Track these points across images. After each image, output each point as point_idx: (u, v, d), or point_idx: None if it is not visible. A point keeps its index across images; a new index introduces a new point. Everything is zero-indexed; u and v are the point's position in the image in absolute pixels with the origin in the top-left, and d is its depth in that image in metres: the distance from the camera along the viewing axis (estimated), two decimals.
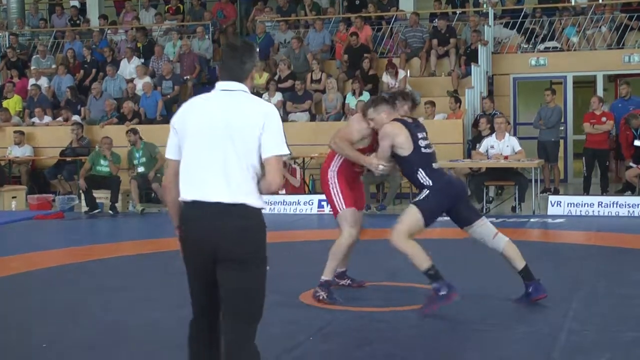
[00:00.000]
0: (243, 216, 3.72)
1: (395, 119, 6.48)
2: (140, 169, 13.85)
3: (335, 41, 17.87)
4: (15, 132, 16.32)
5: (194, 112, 3.85)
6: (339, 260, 6.83)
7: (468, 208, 6.50)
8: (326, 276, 6.77)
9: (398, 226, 6.27)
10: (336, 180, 6.83)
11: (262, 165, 3.76)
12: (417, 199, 6.35)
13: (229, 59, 3.89)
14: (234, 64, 3.86)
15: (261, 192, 3.79)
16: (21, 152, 16.14)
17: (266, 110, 3.79)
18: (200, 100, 3.94)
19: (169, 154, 3.93)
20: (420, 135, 6.42)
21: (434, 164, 6.40)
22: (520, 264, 6.39)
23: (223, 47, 4.05)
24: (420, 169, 6.34)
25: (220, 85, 3.90)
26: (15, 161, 15.94)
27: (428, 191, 6.29)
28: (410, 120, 6.55)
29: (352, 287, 7.19)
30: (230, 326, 3.82)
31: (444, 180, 6.37)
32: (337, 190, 6.80)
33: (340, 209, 6.77)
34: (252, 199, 3.74)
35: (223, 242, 3.71)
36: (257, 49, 4.00)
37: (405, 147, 6.33)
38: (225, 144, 3.70)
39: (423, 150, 6.37)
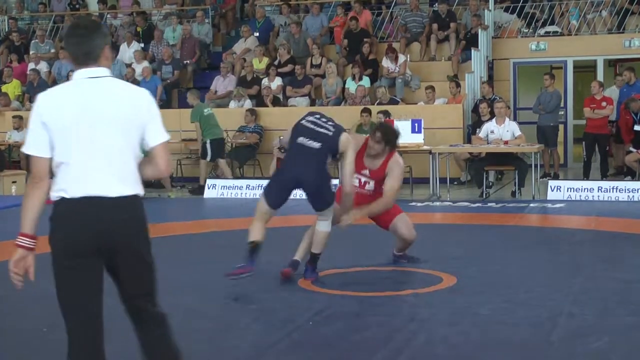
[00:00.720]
0: (134, 207, 3.65)
1: None
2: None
3: (334, 26, 17.81)
4: (14, 117, 16.31)
5: (65, 103, 3.53)
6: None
7: (312, 199, 6.78)
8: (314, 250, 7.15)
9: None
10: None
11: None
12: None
13: (81, 41, 3.59)
14: (88, 47, 3.59)
15: (147, 179, 3.76)
16: (20, 136, 16.12)
17: (146, 97, 3.70)
18: (67, 90, 3.61)
19: (37, 150, 3.55)
20: (317, 116, 6.79)
21: (302, 138, 6.63)
22: (315, 249, 6.86)
23: (67, 31, 3.71)
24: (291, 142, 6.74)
25: (82, 72, 3.61)
26: (15, 145, 15.94)
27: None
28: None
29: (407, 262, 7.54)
30: (152, 323, 3.86)
31: (286, 159, 6.81)
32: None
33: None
34: (139, 189, 3.69)
35: (118, 236, 3.59)
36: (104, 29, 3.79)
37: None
38: (107, 135, 3.53)
39: (304, 122, 6.72)
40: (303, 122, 6.71)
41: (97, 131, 3.51)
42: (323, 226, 6.79)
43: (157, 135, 3.65)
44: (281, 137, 7.35)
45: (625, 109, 14.20)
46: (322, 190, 6.68)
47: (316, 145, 6.54)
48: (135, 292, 3.76)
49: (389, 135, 7.03)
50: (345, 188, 6.66)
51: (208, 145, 14.11)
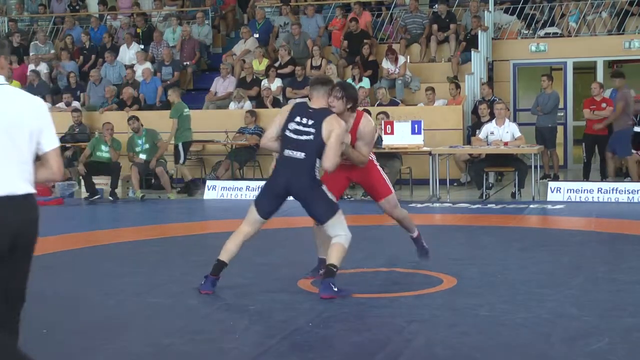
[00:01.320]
0: (34, 207, 3.80)
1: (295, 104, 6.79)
2: (143, 156, 13.83)
3: (331, 29, 17.80)
4: None
5: None
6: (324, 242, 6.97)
7: (310, 209, 6.52)
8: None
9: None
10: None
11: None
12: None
13: None
14: None
15: (40, 182, 3.91)
16: None
17: (40, 104, 3.91)
18: None
19: None
20: (297, 119, 6.45)
21: (287, 151, 6.43)
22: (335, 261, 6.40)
23: None
24: (280, 151, 6.53)
25: None
26: None
27: (264, 183, 6.71)
28: (310, 105, 6.59)
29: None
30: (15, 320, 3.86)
31: (279, 172, 6.51)
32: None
33: None
34: (34, 189, 3.84)
35: (20, 235, 3.72)
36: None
37: (276, 127, 6.56)
38: (6, 139, 3.72)
39: (287, 132, 6.45)
40: (287, 133, 6.45)
41: None
42: (341, 239, 6.44)
43: (51, 141, 3.88)
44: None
45: None
46: (315, 197, 6.47)
47: (301, 155, 6.40)
48: (20, 287, 3.84)
49: (348, 89, 6.79)
50: (324, 164, 6.46)
51: (181, 148, 14.18)
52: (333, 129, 6.36)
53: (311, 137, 6.38)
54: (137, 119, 14.00)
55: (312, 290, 6.61)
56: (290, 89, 16.27)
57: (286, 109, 6.67)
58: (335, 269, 6.32)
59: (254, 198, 6.67)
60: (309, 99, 6.72)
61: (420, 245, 7.57)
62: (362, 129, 6.83)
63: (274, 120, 6.67)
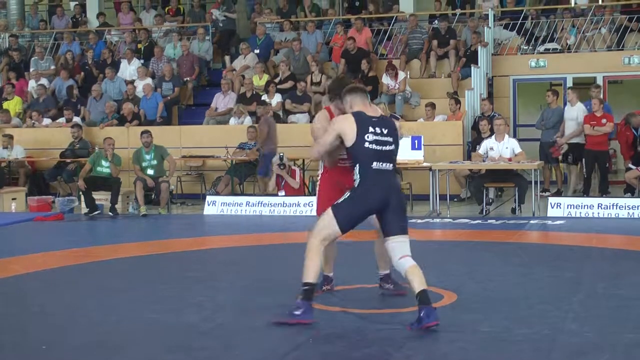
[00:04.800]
0: None
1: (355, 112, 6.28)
2: (150, 172, 13.79)
3: (333, 45, 17.84)
4: (4, 135, 16.24)
5: None
6: (331, 258, 6.88)
7: (395, 220, 6.09)
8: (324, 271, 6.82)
9: (315, 230, 6.10)
10: (319, 183, 6.92)
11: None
12: (337, 202, 6.11)
13: None
14: None
15: None
16: (10, 155, 16.04)
17: None
18: None
19: None
20: (373, 129, 6.12)
21: (375, 163, 6.08)
22: (419, 287, 5.92)
23: None
24: (358, 164, 6.10)
25: None
26: (3, 161, 15.85)
27: (349, 194, 6.09)
28: (370, 114, 6.28)
29: (393, 293, 7.03)
30: None
31: (372, 186, 6.03)
32: (317, 194, 6.87)
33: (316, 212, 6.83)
34: None
35: None
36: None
37: (348, 138, 6.12)
38: None
39: (367, 144, 6.07)
40: (367, 145, 6.05)
41: None
42: (410, 261, 6.05)
43: None
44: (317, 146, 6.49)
45: (626, 125, 14.22)
46: (404, 208, 6.23)
47: (389, 167, 6.14)
48: None
49: (332, 84, 6.67)
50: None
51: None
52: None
53: (392, 147, 6.19)
54: (150, 134, 13.97)
55: (313, 307, 6.59)
56: (289, 101, 16.27)
57: (347, 120, 6.17)
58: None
59: (334, 211, 6.05)
60: (349, 107, 6.37)
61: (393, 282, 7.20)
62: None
63: (329, 128, 6.27)
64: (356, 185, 6.07)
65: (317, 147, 6.35)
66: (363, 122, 6.11)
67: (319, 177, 6.92)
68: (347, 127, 6.09)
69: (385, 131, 6.16)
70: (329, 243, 6.16)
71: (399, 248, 6.03)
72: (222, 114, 16.60)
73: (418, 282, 5.90)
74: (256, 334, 5.85)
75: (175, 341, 5.71)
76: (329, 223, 6.04)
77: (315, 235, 6.07)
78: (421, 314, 5.81)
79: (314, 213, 12.78)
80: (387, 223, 6.07)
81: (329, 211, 6.07)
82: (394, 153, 6.20)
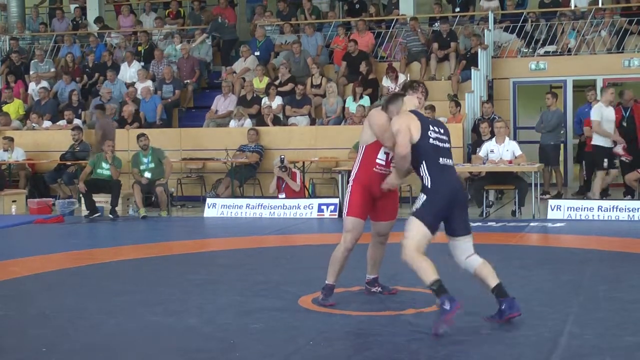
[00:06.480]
0: None
1: (410, 110, 6.36)
2: (148, 174, 13.80)
3: (334, 48, 17.85)
4: (4, 138, 16.26)
5: None
6: (340, 266, 6.80)
7: (461, 218, 6.19)
8: (327, 280, 6.79)
9: (405, 242, 6.06)
10: (351, 186, 6.81)
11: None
12: (415, 208, 6.12)
13: None
14: None
15: None
16: (10, 157, 16.04)
17: None
18: None
19: None
20: (432, 128, 6.20)
21: (441, 159, 6.15)
22: (493, 282, 6.09)
23: None
24: (424, 161, 6.13)
25: None
26: (3, 164, 15.85)
27: (425, 196, 6.08)
28: (422, 114, 6.38)
29: (384, 295, 7.08)
30: None
31: (444, 181, 6.09)
32: (348, 196, 6.81)
33: (345, 214, 6.81)
34: None
35: None
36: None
37: (414, 136, 6.13)
38: None
39: (431, 141, 6.14)
40: (432, 142, 6.11)
41: None
42: (479, 259, 6.19)
43: None
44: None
45: (617, 106, 14.28)
46: (467, 205, 6.37)
47: (452, 163, 6.24)
48: None
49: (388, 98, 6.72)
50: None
51: None
52: None
53: (449, 144, 6.28)
54: (147, 137, 13.99)
55: (313, 309, 6.60)
56: (289, 107, 16.30)
57: (410, 116, 6.22)
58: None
59: (418, 217, 6.05)
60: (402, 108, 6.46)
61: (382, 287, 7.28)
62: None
63: (402, 128, 6.14)
64: (427, 184, 6.10)
65: (399, 150, 6.19)
66: (423, 119, 6.23)
67: (351, 181, 6.84)
68: (412, 124, 6.15)
69: (441, 130, 6.28)
70: (423, 250, 6.11)
71: (464, 247, 6.19)
72: (223, 117, 16.60)
73: (492, 278, 6.11)
74: (257, 337, 5.85)
75: (176, 344, 5.71)
76: (417, 230, 6.05)
77: (407, 246, 6.04)
78: (502, 307, 5.99)
79: (314, 215, 12.99)
80: (453, 221, 6.16)
81: (413, 219, 6.07)
82: (451, 151, 6.28)
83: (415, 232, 6.06)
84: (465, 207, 6.26)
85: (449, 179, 6.15)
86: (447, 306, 5.80)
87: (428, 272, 5.93)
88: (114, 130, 15.45)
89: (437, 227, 6.14)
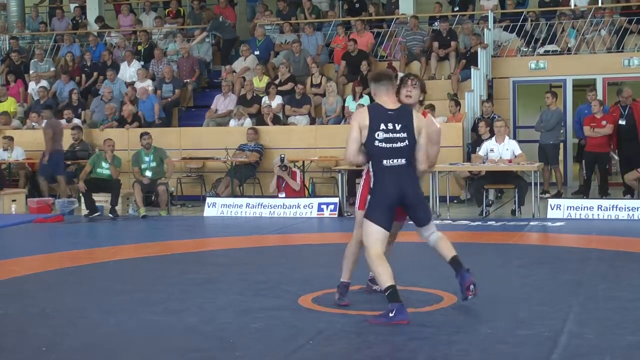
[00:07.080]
0: None
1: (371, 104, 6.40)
2: (149, 174, 13.79)
3: (334, 47, 17.86)
4: (4, 137, 16.25)
5: None
6: (352, 261, 6.77)
7: (418, 212, 6.33)
8: (342, 277, 6.77)
9: (365, 244, 6.23)
10: (364, 179, 6.67)
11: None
12: (366, 207, 6.26)
13: None
14: None
15: None
16: (10, 157, 16.03)
17: None
18: None
19: None
20: (383, 127, 6.13)
21: (386, 161, 6.15)
22: (450, 254, 6.43)
23: None
24: (370, 161, 6.24)
25: None
26: (3, 163, 15.84)
27: (369, 197, 6.23)
28: (387, 107, 6.25)
29: (384, 293, 7.05)
30: None
31: (386, 182, 6.14)
32: (360, 189, 6.71)
33: (356, 208, 6.71)
34: None
35: None
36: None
37: (363, 133, 6.17)
38: None
39: (377, 143, 6.12)
40: (377, 144, 6.12)
41: None
42: (438, 235, 6.46)
43: None
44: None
45: (615, 105, 14.28)
46: (423, 200, 6.42)
47: (402, 162, 6.17)
48: None
49: (421, 79, 6.72)
50: (420, 166, 6.31)
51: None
52: (422, 128, 6.27)
53: (406, 142, 6.17)
54: (150, 135, 13.98)
55: (313, 308, 6.60)
56: (289, 107, 16.30)
57: (361, 118, 6.22)
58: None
59: (366, 216, 6.22)
60: (374, 96, 6.39)
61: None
62: (429, 129, 6.54)
63: (350, 135, 6.23)
64: (371, 184, 6.25)
65: (345, 156, 6.39)
66: (376, 117, 6.18)
67: (363, 174, 6.74)
68: (363, 124, 6.19)
69: (398, 126, 6.19)
70: (383, 245, 6.23)
71: (428, 228, 6.43)
72: (222, 116, 16.60)
73: (448, 251, 6.43)
74: (256, 336, 5.85)
75: (176, 343, 5.71)
76: (370, 230, 6.20)
77: (367, 245, 6.22)
78: (457, 278, 6.37)
79: (314, 215, 12.99)
80: (412, 215, 6.37)
81: (365, 220, 6.23)
82: (406, 149, 6.20)
83: (369, 232, 6.22)
84: (418, 202, 6.32)
85: (395, 178, 6.17)
86: (392, 314, 5.96)
87: (384, 277, 6.09)
88: (62, 131, 15.58)
89: (388, 222, 6.24)
